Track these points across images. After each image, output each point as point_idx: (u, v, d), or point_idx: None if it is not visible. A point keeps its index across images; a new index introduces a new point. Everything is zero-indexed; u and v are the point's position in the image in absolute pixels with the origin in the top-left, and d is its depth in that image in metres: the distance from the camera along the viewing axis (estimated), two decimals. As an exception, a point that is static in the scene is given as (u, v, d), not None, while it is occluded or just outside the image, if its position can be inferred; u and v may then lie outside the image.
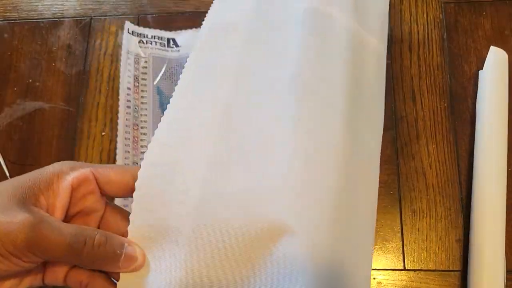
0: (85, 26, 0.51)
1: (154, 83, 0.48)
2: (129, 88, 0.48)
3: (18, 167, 0.47)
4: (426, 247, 0.42)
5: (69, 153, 0.47)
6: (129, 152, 0.46)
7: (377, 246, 0.42)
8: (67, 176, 0.27)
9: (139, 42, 0.49)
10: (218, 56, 0.35)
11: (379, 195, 0.43)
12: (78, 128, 0.47)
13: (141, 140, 0.46)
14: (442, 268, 0.41)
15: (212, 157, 0.30)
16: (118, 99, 0.47)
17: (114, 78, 0.49)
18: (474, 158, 0.42)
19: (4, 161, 0.47)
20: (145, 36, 0.50)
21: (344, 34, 0.36)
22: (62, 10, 0.52)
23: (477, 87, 0.45)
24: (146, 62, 0.49)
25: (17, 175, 0.41)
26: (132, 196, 0.28)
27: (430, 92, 0.46)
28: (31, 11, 0.53)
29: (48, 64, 0.50)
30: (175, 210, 0.28)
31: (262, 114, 0.32)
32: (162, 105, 0.47)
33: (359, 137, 0.33)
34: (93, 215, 0.30)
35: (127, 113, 0.47)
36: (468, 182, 0.43)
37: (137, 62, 0.49)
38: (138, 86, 0.48)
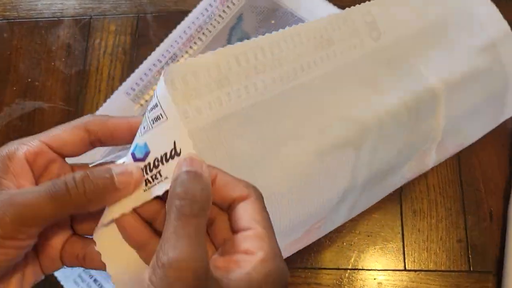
0: (85, 26, 0.51)
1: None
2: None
3: (17, 167, 0.47)
4: (426, 248, 0.42)
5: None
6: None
7: (378, 247, 0.42)
8: (17, 153, 0.26)
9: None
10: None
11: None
12: (77, 127, 0.47)
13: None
14: (443, 268, 0.41)
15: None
16: (117, 99, 0.47)
17: (113, 78, 0.49)
18: None
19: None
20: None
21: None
22: (62, 10, 0.52)
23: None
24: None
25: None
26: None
27: (431, 92, 0.46)
28: (30, 10, 0.53)
29: (48, 63, 0.50)
30: None
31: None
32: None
33: None
34: None
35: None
36: (469, 182, 0.43)
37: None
38: None
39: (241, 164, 0.30)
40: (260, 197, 0.25)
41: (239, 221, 0.24)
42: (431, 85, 0.37)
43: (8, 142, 0.27)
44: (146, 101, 0.47)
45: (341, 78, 0.34)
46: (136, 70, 0.48)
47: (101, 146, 0.29)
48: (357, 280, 0.41)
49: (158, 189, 0.24)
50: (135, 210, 0.25)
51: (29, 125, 0.48)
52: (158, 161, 0.25)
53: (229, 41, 0.48)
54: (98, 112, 0.46)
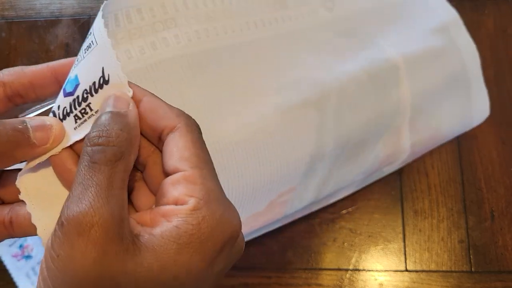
0: (84, 25, 0.51)
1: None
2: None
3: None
4: (428, 248, 0.41)
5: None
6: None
7: (379, 247, 0.42)
8: None
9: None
10: None
11: (380, 195, 0.43)
12: (76, 127, 0.47)
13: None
14: (444, 269, 0.41)
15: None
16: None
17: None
18: None
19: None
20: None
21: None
22: (60, 9, 0.52)
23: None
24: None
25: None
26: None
27: (431, 92, 0.46)
28: (29, 10, 0.52)
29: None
30: None
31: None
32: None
33: None
34: None
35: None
36: (470, 181, 0.43)
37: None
38: None
39: (192, 110, 0.25)
40: (193, 128, 0.21)
41: (167, 161, 0.20)
42: (390, 56, 0.37)
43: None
44: None
45: (297, 41, 0.34)
46: None
47: (23, 102, 0.25)
48: (358, 280, 0.41)
49: (89, 126, 0.21)
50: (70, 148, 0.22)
51: (28, 125, 0.48)
52: (86, 92, 0.21)
53: None
54: None
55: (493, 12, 0.47)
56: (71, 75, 0.23)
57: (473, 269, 0.41)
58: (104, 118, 0.20)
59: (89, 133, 0.20)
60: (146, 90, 0.22)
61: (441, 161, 0.44)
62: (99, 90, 0.21)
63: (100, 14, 0.23)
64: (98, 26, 0.22)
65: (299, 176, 0.34)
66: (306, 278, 0.41)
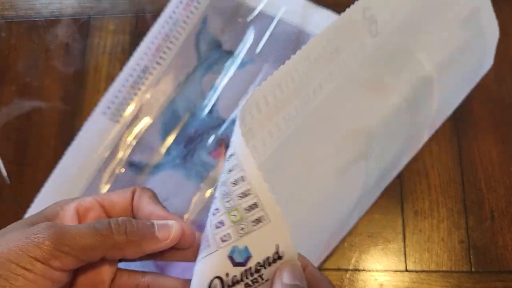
0: (84, 25, 0.51)
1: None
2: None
3: (16, 167, 0.46)
4: (428, 248, 0.41)
5: (67, 153, 0.46)
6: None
7: (379, 247, 0.42)
8: (70, 204, 0.27)
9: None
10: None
11: (380, 195, 0.43)
12: (76, 127, 0.47)
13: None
14: (444, 269, 0.41)
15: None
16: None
17: (112, 77, 0.48)
18: None
19: (2, 160, 0.46)
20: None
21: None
22: (60, 9, 0.52)
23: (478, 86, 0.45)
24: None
25: (15, 175, 0.41)
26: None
27: (432, 92, 0.46)
28: (28, 10, 0.52)
29: (46, 63, 0.50)
30: None
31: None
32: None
33: None
34: None
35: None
36: (471, 182, 0.43)
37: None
38: None
39: (282, 191, 0.29)
40: None
41: None
42: (425, 72, 0.37)
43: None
44: (122, 116, 0.46)
45: (348, 87, 0.33)
46: (109, 89, 0.47)
47: None
48: (358, 281, 0.41)
49: None
50: None
51: (27, 125, 0.48)
52: (260, 265, 0.25)
53: (197, 46, 0.48)
54: (78, 135, 0.46)
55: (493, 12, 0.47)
56: (239, 245, 0.25)
57: (473, 269, 0.41)
58: None
59: None
60: (306, 258, 0.26)
61: (441, 161, 0.44)
62: (272, 264, 0.24)
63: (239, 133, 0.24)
64: (260, 186, 0.24)
65: (348, 216, 0.37)
66: (306, 278, 0.41)
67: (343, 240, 0.42)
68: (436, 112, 0.39)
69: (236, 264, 0.25)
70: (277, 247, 0.24)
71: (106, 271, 0.27)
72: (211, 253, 0.25)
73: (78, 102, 0.48)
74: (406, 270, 0.41)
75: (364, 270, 0.41)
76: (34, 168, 0.46)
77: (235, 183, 0.24)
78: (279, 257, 0.24)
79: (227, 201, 0.25)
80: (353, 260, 0.42)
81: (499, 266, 0.41)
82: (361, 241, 0.42)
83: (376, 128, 0.34)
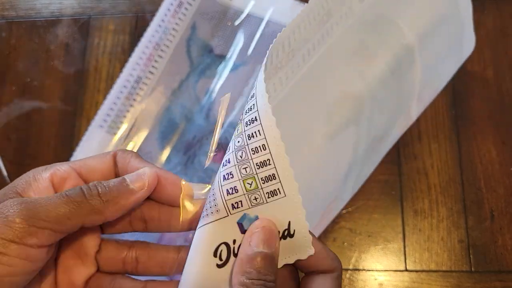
0: (84, 25, 0.51)
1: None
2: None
3: (16, 166, 0.46)
4: (427, 248, 0.41)
5: (67, 152, 0.46)
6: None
7: (379, 247, 0.42)
8: (43, 174, 0.25)
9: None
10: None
11: (380, 195, 0.43)
12: (76, 127, 0.47)
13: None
14: (444, 269, 0.41)
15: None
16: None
17: (112, 77, 0.48)
18: None
19: (2, 160, 0.46)
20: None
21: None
22: (60, 9, 0.52)
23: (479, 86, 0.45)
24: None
25: (15, 175, 0.41)
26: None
27: (431, 92, 0.46)
28: (29, 10, 0.52)
29: (46, 63, 0.50)
30: None
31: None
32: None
33: None
34: None
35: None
36: (470, 181, 0.43)
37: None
38: None
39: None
40: (341, 274, 0.25)
41: None
42: (409, 42, 0.37)
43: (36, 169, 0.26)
44: (119, 128, 0.46)
45: (336, 52, 0.33)
46: (105, 102, 0.47)
47: None
48: (357, 280, 0.41)
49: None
50: None
51: (28, 125, 0.48)
52: None
53: (188, 53, 0.48)
54: (76, 151, 0.46)
55: (493, 12, 0.47)
56: (250, 214, 0.24)
57: (473, 269, 0.41)
58: (259, 259, 0.23)
59: (251, 266, 0.23)
60: (313, 235, 0.24)
61: (441, 161, 0.44)
62: (282, 240, 0.23)
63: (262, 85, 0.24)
64: (277, 151, 0.23)
65: (340, 184, 0.37)
66: (306, 278, 0.41)
67: (343, 240, 0.42)
68: (421, 84, 0.40)
69: (244, 231, 0.24)
70: (289, 223, 0.23)
71: (89, 243, 0.26)
72: (219, 219, 0.23)
73: (78, 102, 0.48)
74: (406, 270, 0.41)
75: (364, 269, 0.41)
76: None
77: (255, 150, 0.23)
78: (290, 235, 0.23)
79: (244, 168, 0.23)
80: (353, 260, 0.42)
81: (498, 266, 0.41)
82: (361, 241, 0.42)
83: (364, 94, 0.35)
